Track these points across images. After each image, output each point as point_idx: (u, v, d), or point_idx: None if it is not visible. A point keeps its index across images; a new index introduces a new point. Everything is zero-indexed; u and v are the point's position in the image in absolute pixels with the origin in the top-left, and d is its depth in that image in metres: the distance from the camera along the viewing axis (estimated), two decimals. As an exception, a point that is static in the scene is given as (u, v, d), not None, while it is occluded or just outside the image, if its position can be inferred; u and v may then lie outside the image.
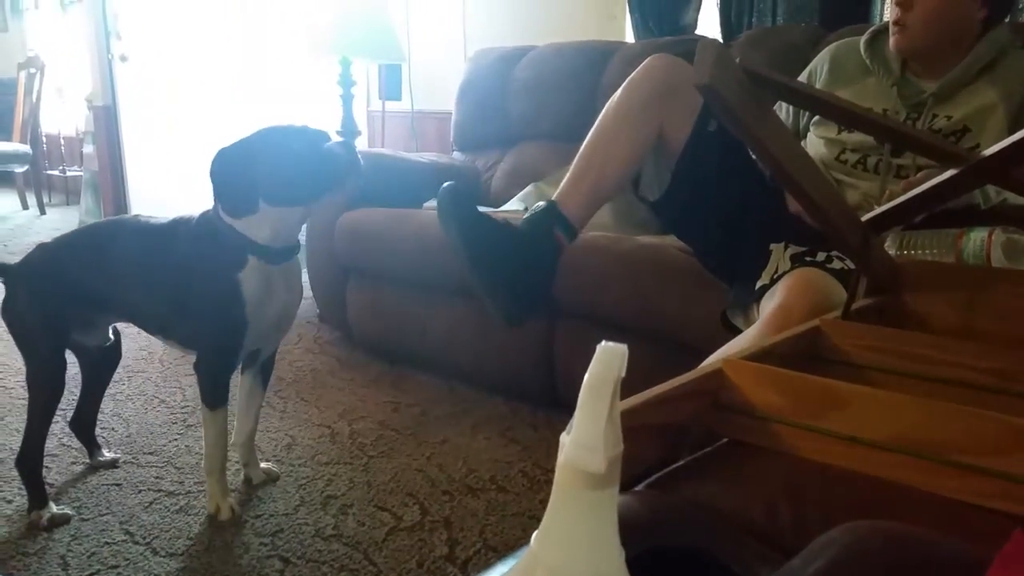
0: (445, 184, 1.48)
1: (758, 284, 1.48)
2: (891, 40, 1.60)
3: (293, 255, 1.57)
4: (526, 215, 1.53)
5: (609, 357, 0.41)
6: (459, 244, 1.45)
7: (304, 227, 1.62)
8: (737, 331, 1.51)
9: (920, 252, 1.25)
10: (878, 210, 0.95)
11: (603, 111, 1.57)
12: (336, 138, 1.54)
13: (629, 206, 2.08)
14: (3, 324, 1.59)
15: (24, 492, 1.61)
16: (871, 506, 0.64)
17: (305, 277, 2.86)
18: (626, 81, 1.55)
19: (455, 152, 3.19)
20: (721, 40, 2.76)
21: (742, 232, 1.57)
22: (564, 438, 0.42)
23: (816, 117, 1.73)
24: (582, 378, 0.41)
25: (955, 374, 0.84)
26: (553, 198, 1.53)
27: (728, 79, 0.72)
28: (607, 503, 0.41)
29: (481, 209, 1.51)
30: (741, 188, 1.58)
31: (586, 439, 0.40)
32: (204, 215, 1.53)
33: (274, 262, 1.52)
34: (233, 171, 1.46)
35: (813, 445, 0.71)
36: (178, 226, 1.55)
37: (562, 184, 1.55)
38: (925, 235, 1.27)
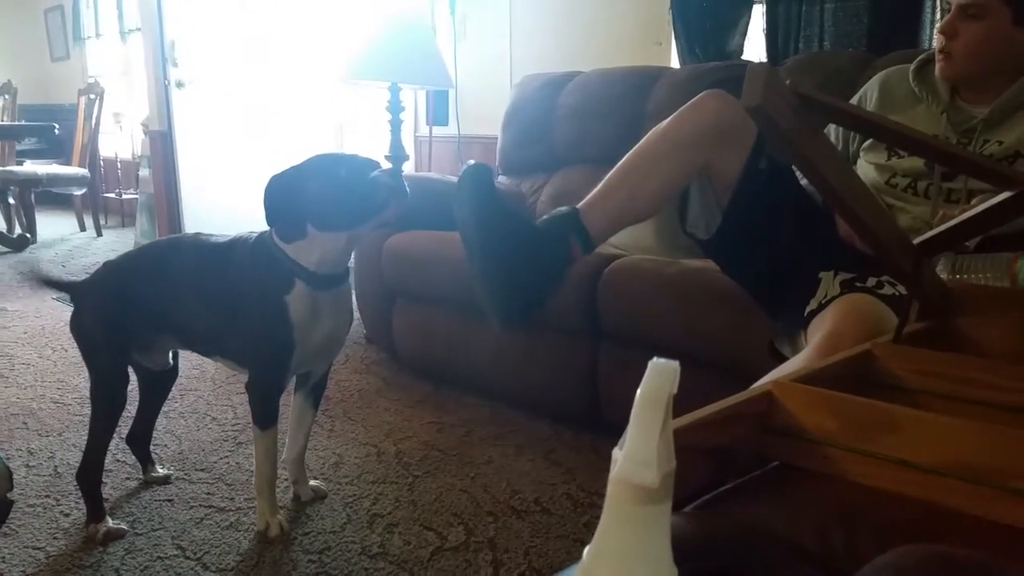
0: (471, 162, 1.42)
1: (807, 310, 1.46)
2: (937, 68, 1.60)
3: (341, 283, 1.59)
4: (546, 216, 1.49)
5: (661, 373, 0.41)
6: (472, 226, 1.40)
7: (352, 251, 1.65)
8: (784, 360, 1.49)
9: (973, 276, 1.23)
10: (930, 233, 0.94)
11: (649, 134, 1.54)
12: (386, 164, 1.56)
13: (674, 229, 2.08)
14: (59, 341, 1.64)
15: (81, 506, 1.65)
16: (925, 531, 0.63)
17: (352, 299, 2.91)
18: (678, 112, 1.53)
19: (500, 176, 3.22)
20: (768, 64, 2.75)
21: (792, 262, 1.55)
22: (616, 453, 0.43)
23: (866, 143, 1.72)
24: (626, 400, 0.42)
25: (1009, 399, 0.83)
26: (577, 206, 1.49)
27: (779, 102, 0.72)
28: (660, 519, 0.42)
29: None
30: (792, 219, 1.56)
31: (639, 454, 0.40)
32: (261, 236, 1.57)
33: (320, 288, 1.54)
34: (283, 197, 1.50)
35: (865, 469, 0.70)
36: (235, 245, 1.60)
37: (590, 195, 1.51)
38: (978, 259, 1.25)
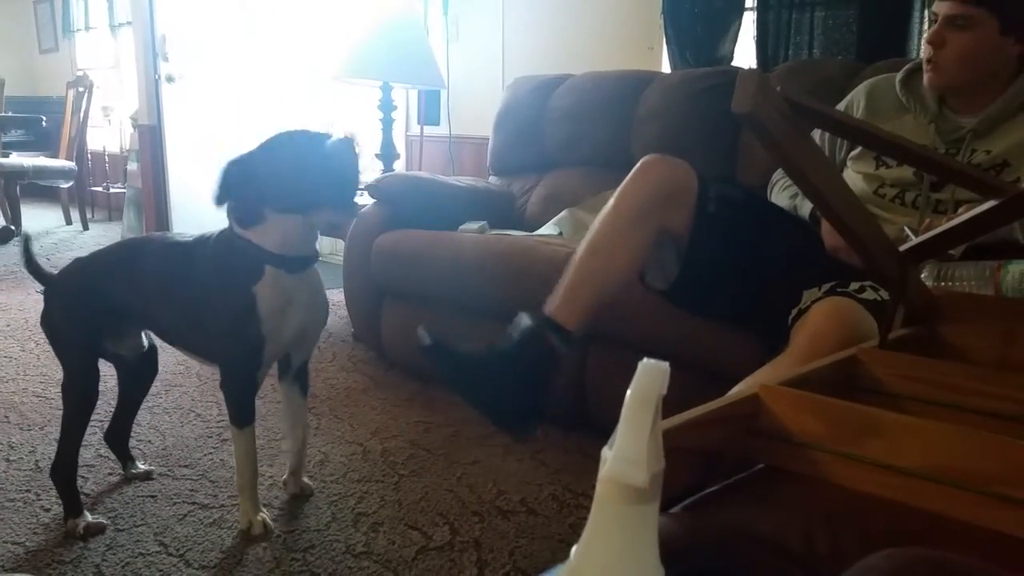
0: (426, 340, 1.53)
1: (790, 317, 1.48)
2: (925, 78, 1.61)
3: (310, 264, 1.56)
4: (513, 332, 1.50)
5: (652, 373, 0.42)
6: (454, 390, 1.55)
7: (342, 247, 1.64)
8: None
9: (958, 284, 1.24)
10: (916, 240, 0.95)
11: (598, 219, 1.55)
12: (362, 148, 1.54)
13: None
14: (42, 335, 1.63)
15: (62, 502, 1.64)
16: (909, 534, 0.64)
17: (341, 296, 2.90)
18: (623, 185, 1.54)
19: (491, 177, 3.23)
20: (758, 71, 2.77)
21: (768, 287, 1.56)
22: (606, 452, 0.43)
23: (854, 152, 1.73)
24: (614, 402, 0.42)
25: (992, 405, 0.83)
26: (546, 311, 1.50)
27: (769, 108, 0.73)
28: (648, 518, 0.42)
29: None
30: (760, 247, 1.57)
31: (629, 453, 0.40)
32: (223, 232, 1.55)
33: (291, 271, 1.51)
34: (240, 181, 1.48)
35: (850, 472, 0.71)
36: (200, 243, 1.57)
37: (557, 295, 1.52)
38: (963, 267, 1.27)
